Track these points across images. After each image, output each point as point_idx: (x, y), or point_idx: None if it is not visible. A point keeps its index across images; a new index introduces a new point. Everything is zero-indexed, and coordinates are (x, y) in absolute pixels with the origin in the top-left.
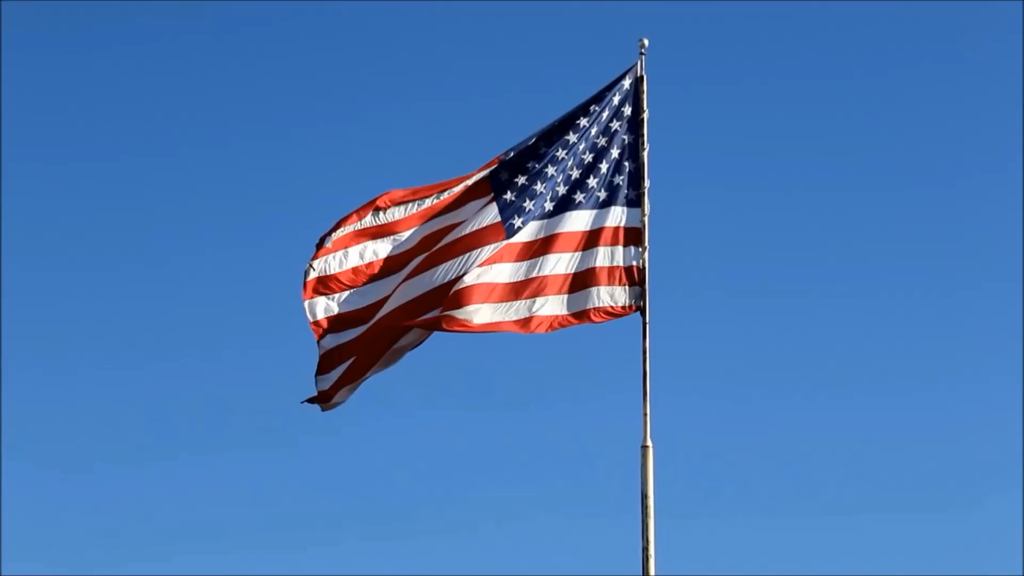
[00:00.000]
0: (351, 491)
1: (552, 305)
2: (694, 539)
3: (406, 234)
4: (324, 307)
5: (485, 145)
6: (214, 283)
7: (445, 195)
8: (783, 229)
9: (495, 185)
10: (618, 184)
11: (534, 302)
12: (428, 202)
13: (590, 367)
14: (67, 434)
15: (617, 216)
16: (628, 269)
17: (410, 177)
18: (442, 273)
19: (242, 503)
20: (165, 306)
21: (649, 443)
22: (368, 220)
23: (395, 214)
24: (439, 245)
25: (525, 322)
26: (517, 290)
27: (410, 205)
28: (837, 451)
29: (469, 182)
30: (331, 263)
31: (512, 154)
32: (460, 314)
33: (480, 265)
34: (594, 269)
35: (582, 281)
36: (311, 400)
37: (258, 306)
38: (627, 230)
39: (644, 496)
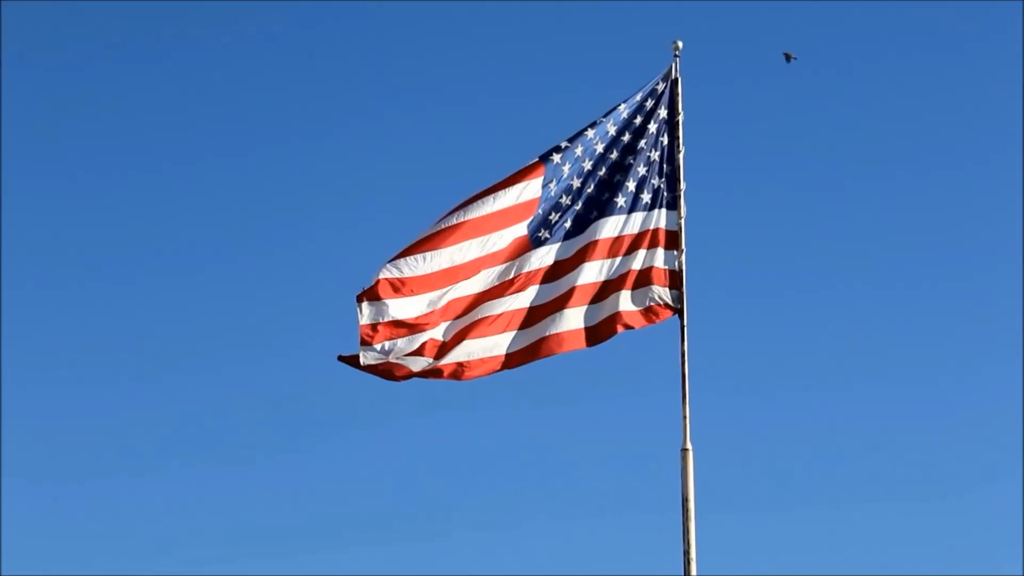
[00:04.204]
0: (387, 491)
1: (595, 312)
2: (735, 540)
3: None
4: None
5: (518, 149)
6: (223, 291)
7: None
8: (817, 229)
9: (543, 196)
10: (656, 187)
11: (568, 313)
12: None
13: (629, 369)
14: (66, 443)
15: (655, 219)
16: (665, 271)
17: (436, 180)
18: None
19: (275, 506)
20: (172, 316)
21: (689, 446)
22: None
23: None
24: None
25: (578, 333)
26: (551, 307)
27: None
28: (878, 448)
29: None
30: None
31: (554, 158)
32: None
33: (510, 292)
34: (636, 272)
35: (630, 283)
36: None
37: (266, 315)
38: (664, 232)
39: (685, 499)
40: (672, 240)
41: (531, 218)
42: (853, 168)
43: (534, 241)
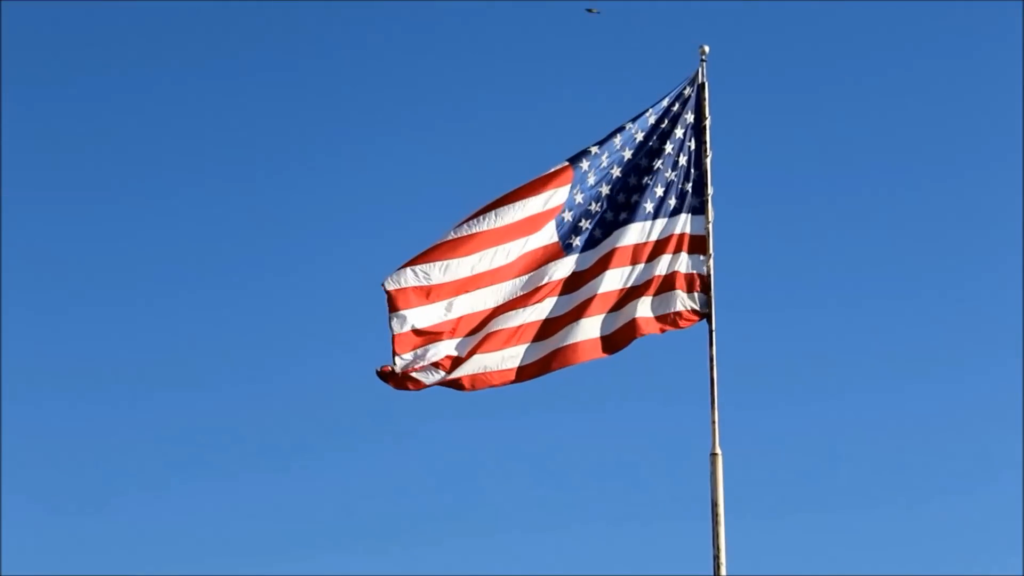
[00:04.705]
0: (420, 494)
1: (615, 319)
2: (764, 544)
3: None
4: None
5: (546, 153)
6: (233, 304)
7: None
8: (843, 234)
9: (568, 204)
10: (684, 192)
11: (599, 319)
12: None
13: (658, 374)
14: (74, 454)
15: (682, 224)
16: (693, 276)
17: (463, 186)
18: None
19: (279, 516)
20: (184, 328)
21: (718, 451)
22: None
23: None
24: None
25: (598, 342)
26: (575, 314)
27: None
28: (907, 450)
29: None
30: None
31: (582, 165)
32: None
33: (539, 300)
34: (661, 277)
35: (655, 288)
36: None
37: (276, 327)
38: (691, 237)
39: (714, 504)
40: (700, 245)
41: (560, 224)
42: (877, 172)
43: (566, 248)
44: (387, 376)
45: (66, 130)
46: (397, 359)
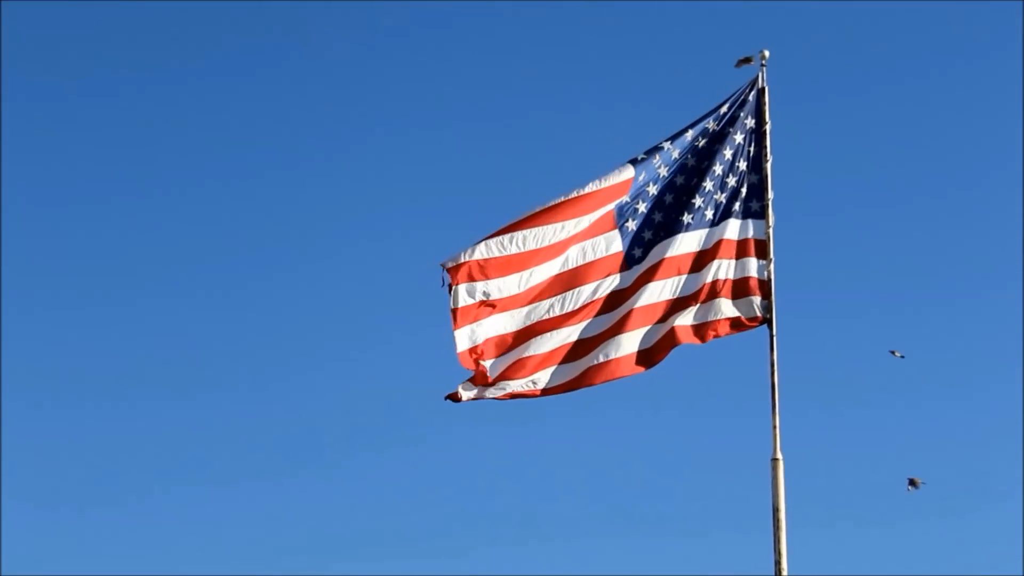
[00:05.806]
0: (476, 497)
1: (669, 324)
2: (826, 550)
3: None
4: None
5: (605, 159)
6: (243, 308)
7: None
8: (906, 236)
9: (618, 213)
10: (739, 196)
11: (657, 326)
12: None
13: (719, 379)
14: (82, 462)
15: (742, 229)
16: (753, 281)
17: (469, 187)
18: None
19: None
20: (196, 334)
21: (779, 455)
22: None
23: (527, 243)
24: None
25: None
26: (640, 317)
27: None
28: (973, 457)
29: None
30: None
31: (639, 178)
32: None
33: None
34: (716, 282)
35: (704, 296)
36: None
37: (288, 333)
38: (752, 242)
39: (775, 509)
40: (760, 249)
41: (624, 234)
42: (879, 172)
43: (628, 259)
44: (456, 395)
45: (66, 130)
46: (466, 373)
